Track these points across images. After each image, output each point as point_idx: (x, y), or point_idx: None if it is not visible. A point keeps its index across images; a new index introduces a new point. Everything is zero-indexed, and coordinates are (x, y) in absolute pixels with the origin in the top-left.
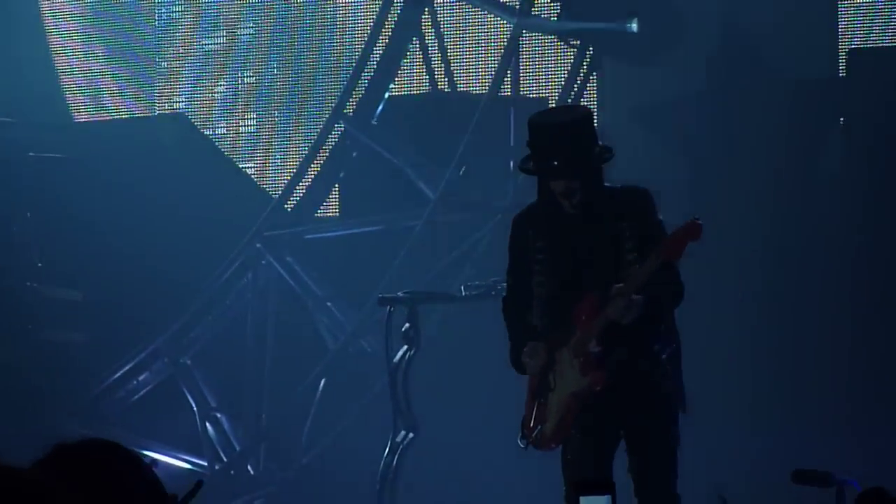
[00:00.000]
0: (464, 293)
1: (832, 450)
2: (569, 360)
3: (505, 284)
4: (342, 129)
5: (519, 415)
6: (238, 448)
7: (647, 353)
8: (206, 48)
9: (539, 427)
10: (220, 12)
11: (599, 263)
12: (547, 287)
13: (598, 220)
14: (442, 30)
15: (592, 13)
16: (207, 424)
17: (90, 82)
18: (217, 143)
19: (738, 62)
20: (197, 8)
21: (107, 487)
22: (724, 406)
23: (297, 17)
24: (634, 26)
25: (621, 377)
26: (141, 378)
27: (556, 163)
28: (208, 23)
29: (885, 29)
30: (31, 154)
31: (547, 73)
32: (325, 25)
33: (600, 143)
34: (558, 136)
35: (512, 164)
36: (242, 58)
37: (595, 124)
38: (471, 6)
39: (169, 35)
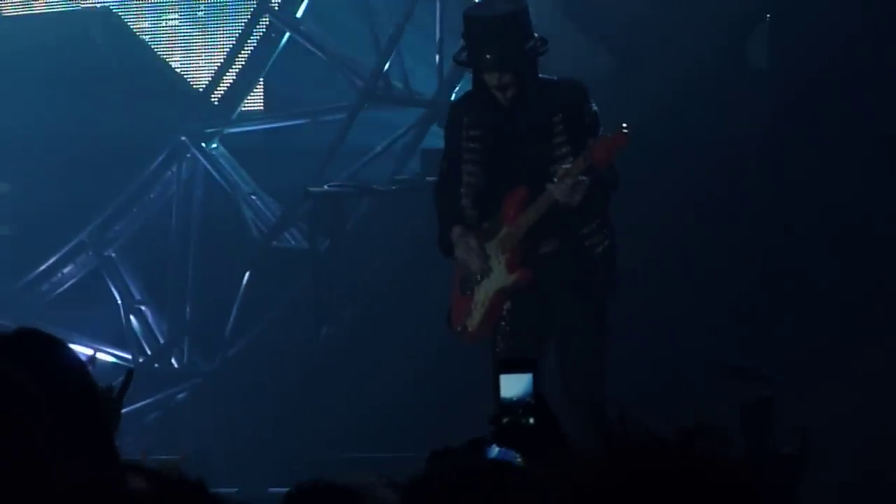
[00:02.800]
0: (389, 187)
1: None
2: (496, 254)
3: (429, 179)
4: (267, 22)
5: (441, 307)
6: (162, 341)
7: (578, 247)
8: None
9: (464, 320)
10: None
11: (530, 155)
12: (477, 177)
13: (530, 113)
14: None
15: None
16: (132, 317)
17: None
18: (143, 38)
19: None
20: None
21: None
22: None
23: None
24: None
25: (550, 271)
26: (65, 271)
27: (488, 56)
28: None
29: None
30: None
31: None
32: None
33: (536, 35)
34: (492, 29)
35: (437, 57)
36: None
37: (529, 16)
38: None
39: None
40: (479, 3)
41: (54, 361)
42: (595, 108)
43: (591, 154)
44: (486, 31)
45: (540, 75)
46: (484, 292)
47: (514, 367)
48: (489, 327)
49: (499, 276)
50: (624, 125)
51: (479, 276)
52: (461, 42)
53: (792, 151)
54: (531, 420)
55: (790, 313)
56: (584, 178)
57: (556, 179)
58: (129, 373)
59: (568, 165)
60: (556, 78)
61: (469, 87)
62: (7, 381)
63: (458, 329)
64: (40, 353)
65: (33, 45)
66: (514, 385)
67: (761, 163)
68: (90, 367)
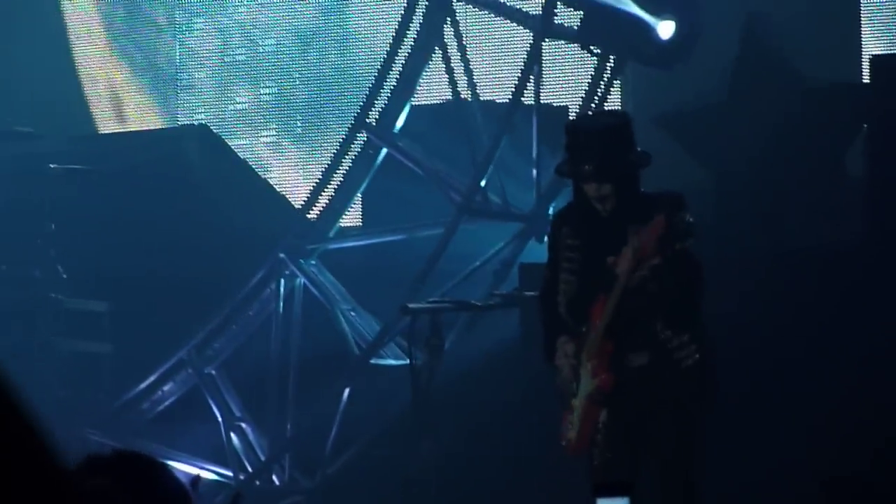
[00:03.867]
0: (487, 302)
1: None
2: (585, 362)
3: (527, 293)
4: (365, 138)
5: (543, 422)
6: (263, 458)
7: (667, 360)
8: (228, 59)
9: (566, 433)
10: (241, 24)
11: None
12: (571, 285)
13: (627, 225)
14: (464, 38)
15: (612, 22)
16: (232, 434)
17: (113, 94)
18: (241, 154)
19: (761, 68)
20: (218, 20)
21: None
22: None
23: (318, 26)
24: (662, 31)
25: (642, 384)
26: (165, 389)
27: (588, 167)
28: (230, 34)
29: None
30: (52, 166)
31: (569, 80)
32: (346, 35)
33: (638, 149)
34: (594, 141)
35: (534, 171)
36: (264, 69)
37: (632, 130)
38: (493, 14)
39: (191, 46)
40: (582, 115)
41: (156, 485)
42: (691, 219)
43: (638, 244)
44: (588, 142)
45: (642, 189)
46: (578, 402)
47: (611, 491)
48: (586, 439)
49: (586, 383)
50: (662, 215)
51: (574, 386)
52: (563, 154)
53: (890, 261)
54: None
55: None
56: (654, 260)
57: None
58: (237, 494)
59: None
60: (656, 191)
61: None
62: (107, 501)
63: (563, 444)
64: (142, 475)
65: (129, 163)
66: None
67: (860, 272)
68: (195, 490)
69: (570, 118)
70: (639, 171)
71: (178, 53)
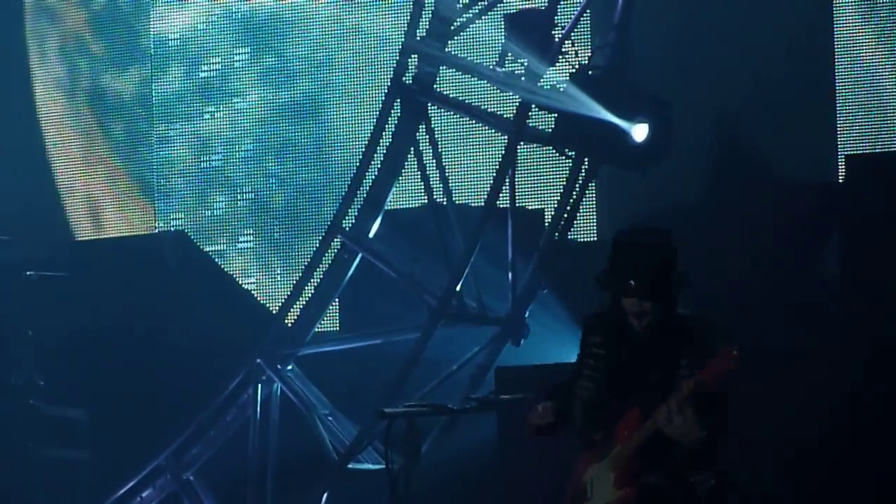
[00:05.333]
0: (463, 406)
1: None
2: (606, 471)
3: (503, 397)
4: (340, 243)
5: None
6: None
7: (683, 482)
8: (205, 165)
9: None
10: (217, 130)
11: (652, 381)
12: (589, 392)
13: (659, 347)
14: (438, 142)
15: (586, 126)
16: None
17: (89, 200)
18: (217, 260)
19: (735, 168)
20: (195, 125)
21: None
22: None
23: (294, 133)
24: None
25: (655, 501)
26: (144, 495)
27: (632, 282)
28: (206, 140)
29: (883, 135)
30: (29, 273)
31: (544, 183)
32: (321, 139)
33: (680, 270)
34: (639, 258)
35: (510, 275)
36: (241, 174)
37: (675, 250)
38: (466, 118)
39: (168, 152)
40: (627, 230)
41: None
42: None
43: (700, 377)
44: (633, 258)
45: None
46: None
47: None
48: None
49: (606, 493)
50: (733, 348)
51: (588, 493)
52: (605, 265)
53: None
54: None
55: None
56: (689, 416)
57: (665, 406)
58: None
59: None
60: (687, 315)
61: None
62: None
63: None
64: None
65: (107, 270)
66: None
67: (838, 372)
68: None
69: (618, 232)
70: (679, 292)
71: (155, 160)
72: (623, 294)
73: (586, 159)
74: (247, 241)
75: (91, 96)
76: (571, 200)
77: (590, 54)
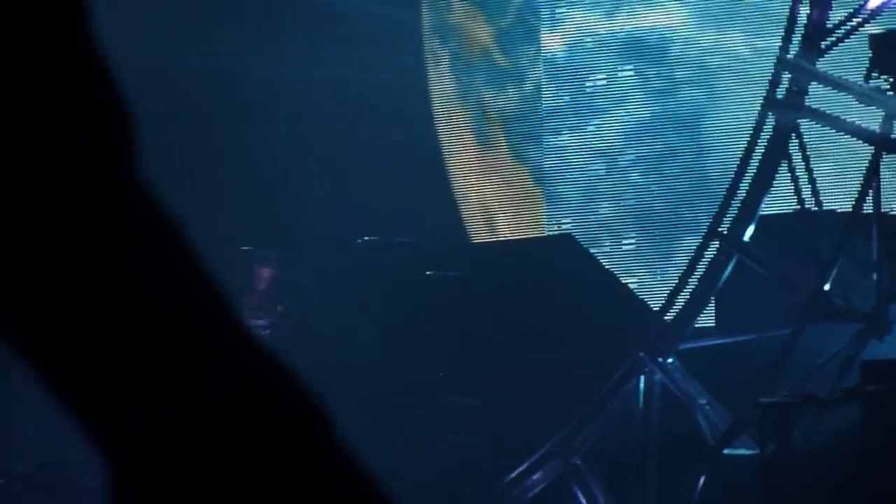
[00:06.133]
0: (831, 396)
1: None
2: None
3: (868, 388)
4: (717, 246)
5: None
6: None
7: None
8: (590, 172)
9: None
10: (602, 140)
11: None
12: None
13: None
14: (807, 150)
15: None
16: None
17: (483, 206)
18: (602, 261)
19: None
20: (581, 136)
21: None
22: None
23: (673, 143)
24: None
25: None
26: (535, 477)
27: None
28: (592, 149)
29: None
30: (429, 273)
31: None
32: (699, 149)
33: None
34: None
35: (875, 276)
36: (624, 181)
37: None
38: (833, 130)
39: (556, 161)
40: None
41: None
42: None
43: None
44: None
45: None
46: None
47: None
48: None
49: None
50: None
51: None
52: None
53: None
54: None
55: None
56: None
57: None
58: None
59: None
60: None
61: None
62: None
63: None
64: None
65: (499, 269)
66: None
67: None
68: None
69: None
70: None
71: (544, 168)
72: None
73: None
74: (629, 244)
75: (486, 108)
76: None
77: None
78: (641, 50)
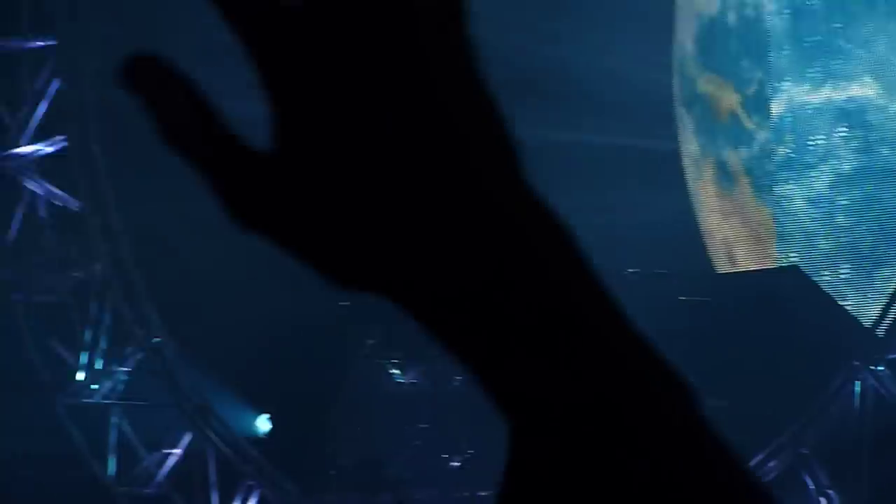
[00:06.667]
0: None
1: None
2: None
3: None
4: None
5: None
6: None
7: None
8: (813, 214)
9: None
10: (821, 186)
11: None
12: None
13: None
14: None
15: None
16: (821, 500)
17: (725, 240)
18: (822, 287)
19: None
20: (806, 181)
21: None
22: None
23: (875, 188)
24: None
25: None
26: (770, 464)
27: None
28: (815, 195)
29: None
30: (681, 298)
31: None
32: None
33: None
34: None
35: None
36: (838, 220)
37: None
38: None
39: (785, 203)
40: None
41: None
42: None
43: None
44: None
45: None
46: None
47: None
48: None
49: None
50: None
51: None
52: None
53: None
54: None
55: None
56: None
57: None
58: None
59: None
60: None
61: None
62: None
63: None
64: None
65: (732, 298)
66: None
67: None
68: None
69: None
70: None
71: (776, 211)
72: None
73: None
74: (845, 273)
75: (728, 161)
76: None
77: None
78: (850, 114)
